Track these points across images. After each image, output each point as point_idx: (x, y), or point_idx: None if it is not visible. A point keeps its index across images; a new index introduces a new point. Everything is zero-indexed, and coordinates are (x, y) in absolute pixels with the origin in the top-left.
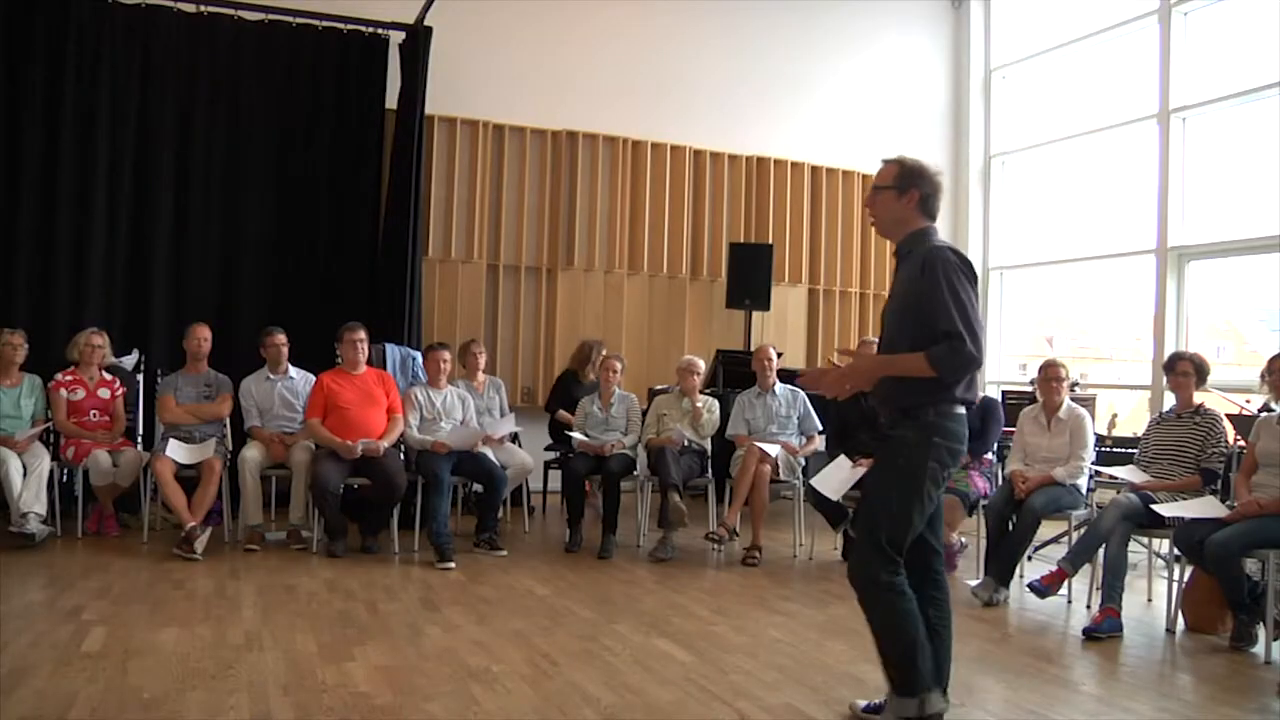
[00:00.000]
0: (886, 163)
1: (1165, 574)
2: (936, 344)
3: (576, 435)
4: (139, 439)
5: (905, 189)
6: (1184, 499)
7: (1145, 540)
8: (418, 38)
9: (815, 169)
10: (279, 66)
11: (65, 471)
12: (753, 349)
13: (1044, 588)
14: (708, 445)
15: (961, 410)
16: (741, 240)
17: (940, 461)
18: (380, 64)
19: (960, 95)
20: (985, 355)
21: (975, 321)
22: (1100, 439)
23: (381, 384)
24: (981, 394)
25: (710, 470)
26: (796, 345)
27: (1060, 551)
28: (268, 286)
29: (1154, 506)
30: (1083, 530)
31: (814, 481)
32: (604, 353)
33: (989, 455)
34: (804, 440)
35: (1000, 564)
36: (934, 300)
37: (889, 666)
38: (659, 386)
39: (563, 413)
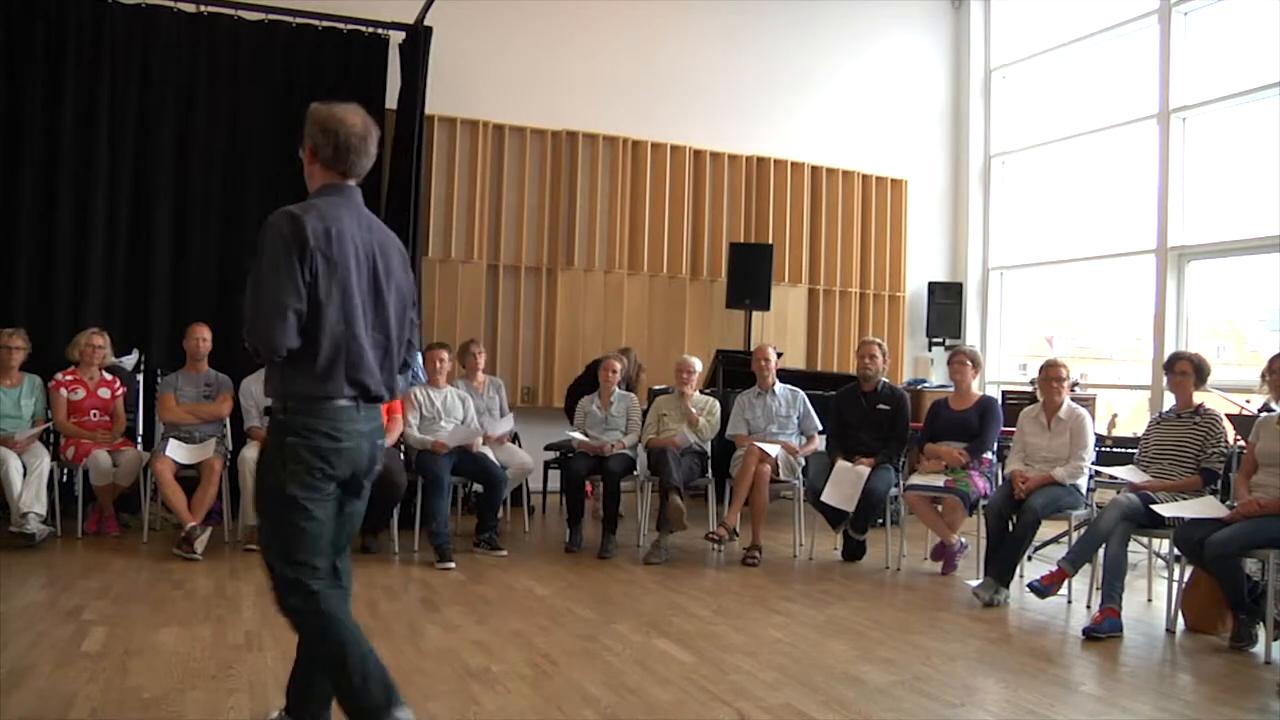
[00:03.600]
0: None
1: (1165, 574)
2: None
3: (576, 435)
4: (139, 439)
5: (304, 141)
6: (1184, 499)
7: (1145, 540)
8: (418, 38)
9: (815, 169)
10: (279, 66)
11: (65, 471)
12: (752, 349)
13: (1044, 588)
14: (708, 446)
15: (341, 402)
16: (741, 240)
17: (302, 462)
18: (380, 64)
19: (960, 95)
20: (280, 343)
21: (272, 304)
22: (1100, 439)
23: None
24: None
25: (710, 470)
26: (796, 345)
27: (1060, 551)
28: None
29: (1154, 507)
30: (1083, 530)
31: (824, 497)
32: (640, 365)
33: (989, 455)
34: (804, 440)
35: (1000, 564)
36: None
37: (342, 700)
38: (659, 386)
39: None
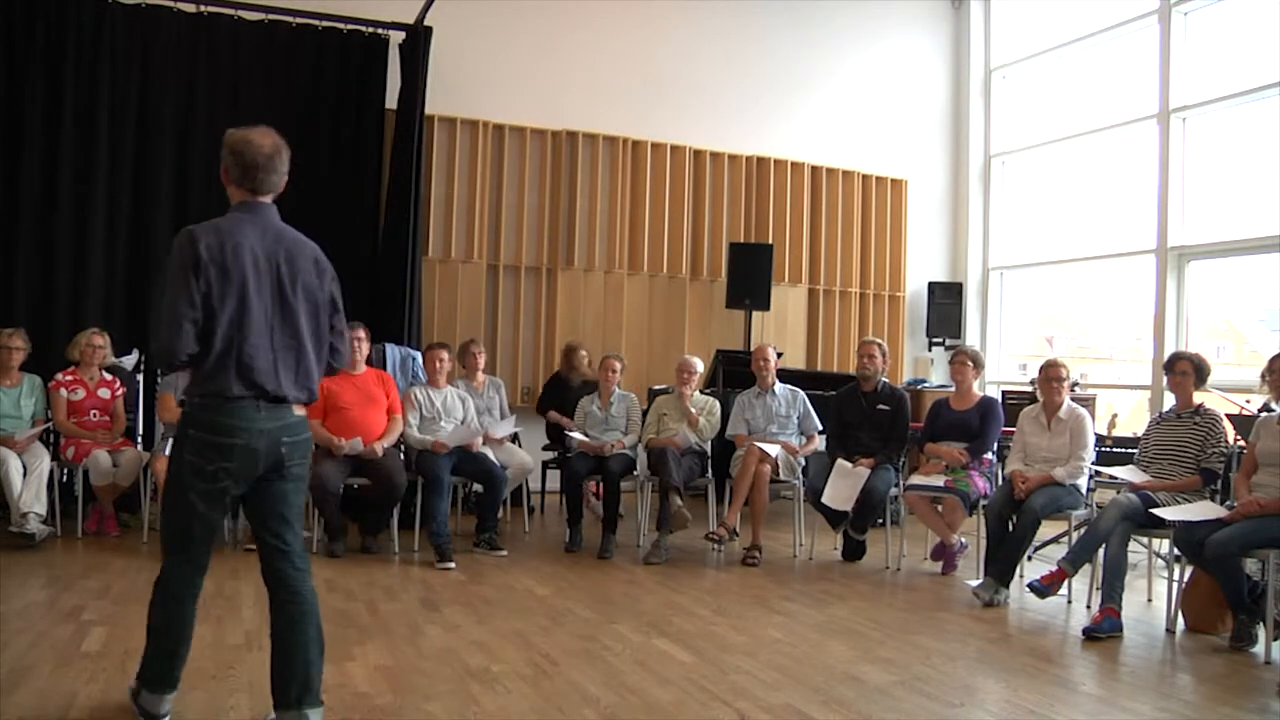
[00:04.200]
0: None
1: (1165, 574)
2: None
3: (577, 435)
4: (139, 439)
5: (221, 163)
6: (1184, 499)
7: (1145, 540)
8: (418, 38)
9: (815, 169)
10: (279, 66)
11: (65, 471)
12: (752, 349)
13: (1044, 588)
14: (708, 446)
15: (239, 402)
16: (741, 240)
17: (197, 453)
18: (380, 64)
19: (960, 95)
20: (178, 349)
21: (170, 316)
22: (1100, 439)
23: (381, 384)
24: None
25: (710, 470)
26: (796, 345)
27: (1060, 551)
28: None
29: (1154, 510)
30: (1083, 530)
31: (824, 498)
32: (583, 353)
33: (989, 455)
34: (804, 440)
35: (1000, 564)
36: None
37: (144, 658)
38: (659, 386)
39: (553, 413)
